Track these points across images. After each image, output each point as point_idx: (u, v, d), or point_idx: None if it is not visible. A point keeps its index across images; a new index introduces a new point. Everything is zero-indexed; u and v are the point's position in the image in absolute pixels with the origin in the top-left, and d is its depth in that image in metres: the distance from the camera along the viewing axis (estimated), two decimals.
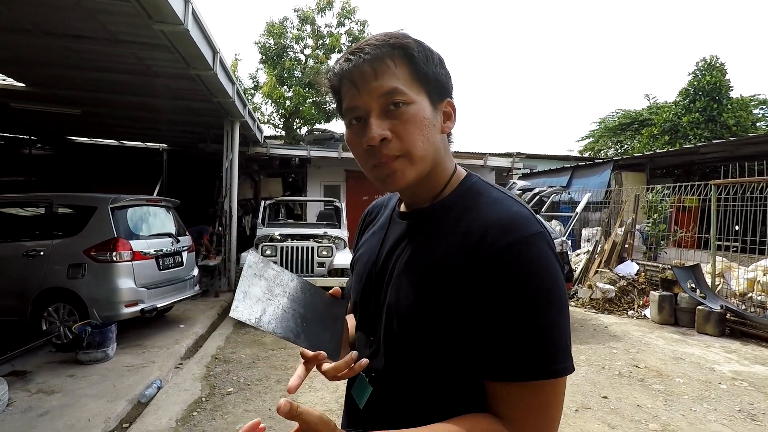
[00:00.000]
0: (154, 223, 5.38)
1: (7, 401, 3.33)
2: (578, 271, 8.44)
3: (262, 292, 0.68)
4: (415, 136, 0.71)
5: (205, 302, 6.86)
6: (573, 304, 7.49)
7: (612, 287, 7.35)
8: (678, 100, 15.14)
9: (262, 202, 8.22)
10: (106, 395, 3.58)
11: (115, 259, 4.55)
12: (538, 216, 0.73)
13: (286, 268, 6.33)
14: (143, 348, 4.70)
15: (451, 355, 0.69)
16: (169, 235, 5.44)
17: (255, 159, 11.27)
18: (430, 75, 0.73)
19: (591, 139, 22.29)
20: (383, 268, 0.79)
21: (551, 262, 0.67)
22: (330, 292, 0.77)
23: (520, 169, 13.43)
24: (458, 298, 0.67)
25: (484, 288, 0.65)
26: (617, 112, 20.97)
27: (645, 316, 6.66)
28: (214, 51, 5.52)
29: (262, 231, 7.31)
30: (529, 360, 0.63)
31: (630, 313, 6.84)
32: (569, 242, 9.77)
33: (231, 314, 0.65)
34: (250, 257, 0.70)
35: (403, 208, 0.84)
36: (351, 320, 0.91)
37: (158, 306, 4.89)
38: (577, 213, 9.95)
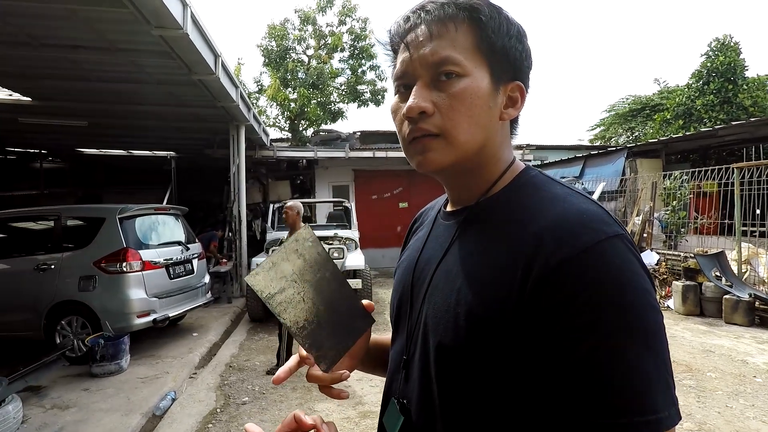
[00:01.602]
0: (163, 232, 5.33)
1: (21, 418, 3.29)
2: None
3: (292, 271, 0.61)
4: (461, 114, 0.59)
5: (217, 309, 6.82)
6: None
7: None
8: (691, 82, 14.74)
9: (271, 205, 8.16)
10: (120, 409, 3.52)
11: (125, 269, 4.50)
12: (613, 214, 0.56)
13: None
14: (157, 358, 4.65)
15: (497, 396, 0.54)
16: (179, 243, 5.38)
17: (262, 162, 11.23)
18: (498, 46, 0.60)
19: (602, 128, 21.88)
20: (422, 278, 0.67)
21: (635, 276, 0.50)
22: (364, 303, 0.68)
23: (530, 160, 13.25)
24: (505, 326, 0.52)
25: (538, 314, 0.50)
26: (627, 99, 20.55)
27: (668, 307, 6.45)
28: (216, 55, 5.45)
29: (272, 235, 7.25)
30: (600, 409, 0.46)
31: None
32: None
33: (246, 278, 0.59)
34: (304, 231, 0.63)
35: (449, 207, 0.71)
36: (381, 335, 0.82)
37: (170, 315, 4.84)
38: None
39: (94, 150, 11.20)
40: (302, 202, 10.47)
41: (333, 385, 0.67)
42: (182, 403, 3.72)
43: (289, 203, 4.33)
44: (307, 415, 0.60)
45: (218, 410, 3.59)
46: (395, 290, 0.75)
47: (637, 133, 19.73)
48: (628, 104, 20.04)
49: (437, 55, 0.59)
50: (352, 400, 3.68)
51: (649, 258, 7.61)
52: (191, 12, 4.38)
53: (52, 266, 4.54)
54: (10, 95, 6.86)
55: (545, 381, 0.50)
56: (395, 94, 0.66)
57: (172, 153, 11.64)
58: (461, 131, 0.59)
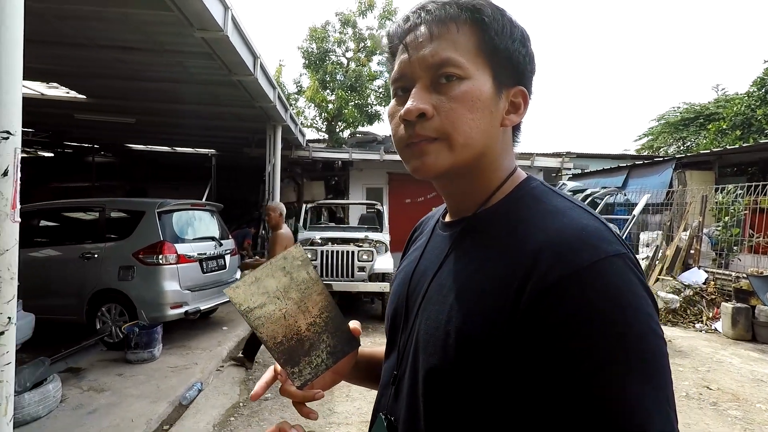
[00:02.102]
0: (198, 227, 5.51)
1: (60, 398, 3.47)
2: None
3: (276, 288, 0.60)
4: (462, 117, 0.56)
5: None
6: None
7: (676, 297, 6.74)
8: (752, 90, 13.79)
9: (304, 205, 8.28)
10: (149, 396, 3.65)
11: (161, 262, 4.68)
12: (616, 231, 0.53)
13: (327, 272, 6.30)
14: (187, 349, 4.80)
15: (485, 422, 0.51)
16: (213, 238, 5.55)
17: (298, 162, 11.43)
18: (501, 49, 0.58)
19: (650, 137, 20.86)
20: (416, 291, 0.65)
21: (636, 298, 0.47)
22: (351, 327, 0.67)
23: (570, 169, 12.81)
24: (496, 347, 0.49)
25: (530, 336, 0.47)
26: (679, 107, 19.50)
27: (715, 329, 6.03)
28: (255, 56, 5.59)
29: (303, 234, 7.34)
30: None
31: (698, 326, 6.23)
32: None
33: (225, 290, 0.59)
34: (295, 249, 0.62)
35: (448, 217, 0.68)
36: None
37: (201, 308, 4.99)
38: (634, 216, 9.24)
39: (141, 146, 11.79)
40: (335, 203, 10.65)
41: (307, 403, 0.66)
42: (207, 395, 3.82)
43: (272, 204, 4.40)
44: (292, 428, 0.62)
45: (241, 404, 3.66)
46: (390, 302, 0.73)
47: (689, 144, 18.68)
48: (680, 113, 19.01)
49: (438, 57, 0.57)
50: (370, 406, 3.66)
51: (696, 276, 7.16)
52: (232, 14, 4.51)
53: (96, 255, 4.78)
54: (68, 93, 7.32)
55: (535, 407, 0.47)
56: (393, 98, 0.63)
57: (212, 151, 12.06)
58: (461, 135, 0.57)
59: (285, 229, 4.28)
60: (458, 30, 0.57)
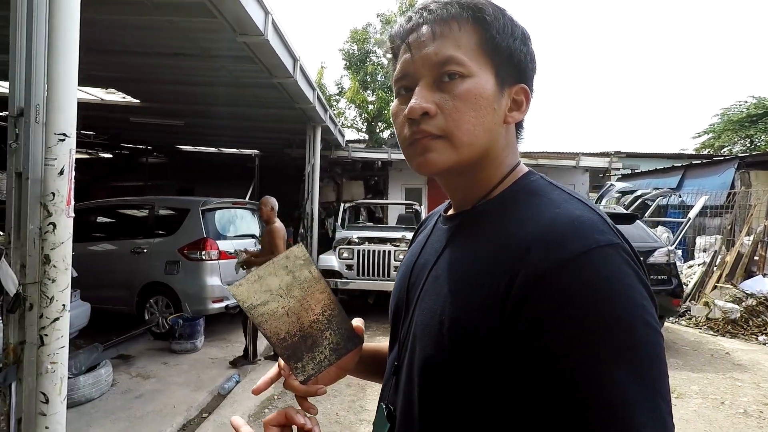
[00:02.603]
0: (239, 225, 5.73)
1: (111, 382, 3.72)
2: (691, 285, 7.35)
3: (279, 286, 0.62)
4: (465, 115, 0.58)
5: None
6: (684, 323, 6.53)
7: (736, 306, 6.27)
8: None
9: (342, 204, 8.40)
10: (191, 384, 3.83)
11: (204, 257, 4.90)
12: (612, 223, 0.53)
13: (364, 270, 6.36)
14: (227, 342, 5.00)
15: (477, 412, 0.51)
16: (252, 236, 5.74)
17: (337, 162, 11.61)
18: (503, 47, 0.59)
19: (710, 135, 19.48)
20: (416, 283, 0.65)
21: (627, 288, 0.46)
22: (355, 325, 0.67)
23: (618, 169, 12.20)
24: (488, 338, 0.50)
25: (521, 327, 0.47)
26: (746, 101, 18.05)
27: None
28: (294, 59, 5.73)
29: (341, 234, 7.45)
30: None
31: (761, 338, 5.76)
32: (678, 252, 8.59)
33: (229, 288, 0.62)
34: (297, 249, 0.64)
35: (450, 212, 0.70)
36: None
37: None
38: (689, 219, 8.70)
39: (190, 147, 12.38)
40: (373, 203, 10.72)
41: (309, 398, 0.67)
42: (244, 386, 3.95)
43: (264, 198, 4.46)
44: (298, 413, 0.62)
45: (275, 397, 3.77)
46: (393, 295, 0.74)
47: (756, 142, 17.29)
48: (746, 108, 17.61)
49: (440, 55, 0.58)
50: None
51: (761, 285, 6.63)
52: (272, 19, 4.65)
53: (145, 250, 5.08)
54: (124, 98, 7.80)
55: (524, 398, 0.47)
56: (396, 97, 0.65)
57: (256, 151, 12.47)
58: (465, 133, 0.58)
59: (278, 223, 4.35)
60: (460, 29, 0.58)
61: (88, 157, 14.73)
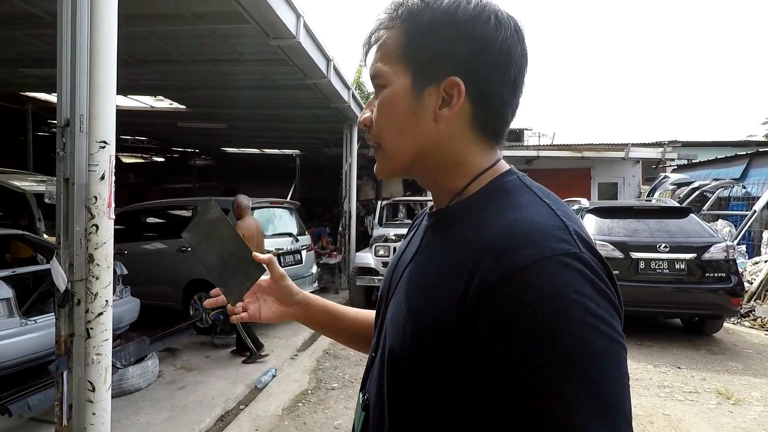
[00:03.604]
0: (278, 224, 5.89)
1: (157, 373, 3.95)
2: (756, 283, 6.78)
3: (205, 230, 0.82)
4: (382, 125, 0.62)
5: (325, 298, 7.29)
6: (748, 324, 6.04)
7: None
8: None
9: (379, 202, 8.44)
10: (229, 377, 4.00)
11: None
12: (580, 230, 0.51)
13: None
14: (265, 337, 5.16)
15: (437, 406, 0.52)
16: (290, 234, 5.89)
17: (376, 160, 11.66)
18: (425, 47, 0.58)
19: None
20: (394, 279, 0.68)
21: (580, 300, 0.45)
22: (259, 258, 0.80)
23: (674, 160, 11.46)
24: (444, 339, 0.51)
25: (472, 331, 0.48)
26: None
27: None
28: (327, 59, 5.81)
29: (378, 231, 7.49)
30: None
31: None
32: (742, 248, 7.94)
33: (182, 233, 0.83)
34: (210, 201, 0.86)
35: (433, 208, 0.70)
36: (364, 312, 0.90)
37: None
38: (755, 211, 8.02)
39: (234, 149, 12.90)
40: (411, 200, 10.69)
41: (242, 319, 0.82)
42: (280, 381, 4.08)
43: (238, 196, 4.69)
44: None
45: (309, 392, 3.85)
46: (379, 291, 0.77)
47: None
48: None
49: (371, 69, 0.62)
50: None
51: None
52: (304, 21, 4.74)
53: (190, 249, 5.34)
54: (171, 104, 8.24)
55: (479, 403, 0.48)
56: None
57: (296, 151, 12.79)
58: (387, 141, 0.62)
59: (245, 221, 4.51)
60: (387, 38, 0.60)
61: (143, 161, 15.72)
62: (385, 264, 6.42)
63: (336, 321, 0.88)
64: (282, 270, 0.83)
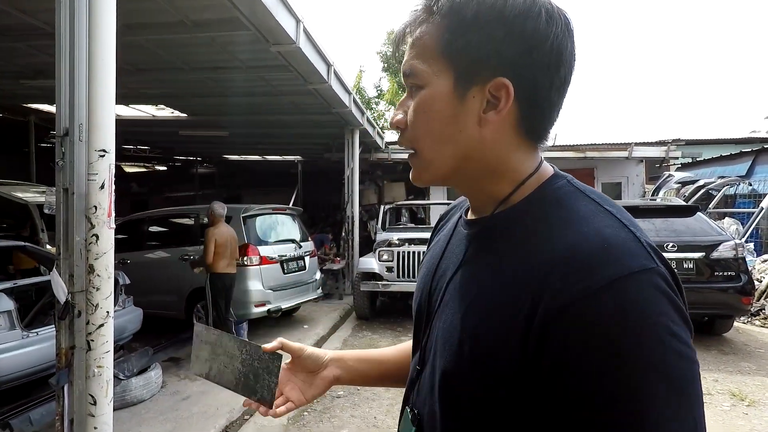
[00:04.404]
0: (280, 231, 5.86)
1: (161, 384, 3.91)
2: (766, 281, 6.70)
3: (208, 354, 0.82)
4: (420, 130, 0.57)
5: (329, 304, 7.26)
6: (758, 323, 5.96)
7: None
8: None
9: (382, 207, 8.40)
10: None
11: (245, 263, 5.05)
12: (648, 241, 0.49)
13: (404, 271, 6.32)
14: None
15: (495, 428, 0.51)
16: (293, 241, 5.86)
17: (378, 165, 11.65)
18: (459, 46, 0.53)
19: None
20: (437, 289, 0.64)
21: (661, 321, 0.43)
22: (268, 347, 0.76)
23: (677, 158, 11.37)
24: (505, 367, 0.48)
25: (542, 359, 0.45)
26: None
27: None
28: (328, 64, 5.80)
29: (381, 236, 7.44)
30: None
31: None
32: (750, 245, 7.86)
33: (190, 369, 0.85)
34: (196, 328, 0.85)
35: (470, 214, 0.66)
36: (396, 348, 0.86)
37: (283, 307, 5.29)
38: (762, 208, 7.93)
39: (236, 156, 12.92)
40: (413, 204, 10.63)
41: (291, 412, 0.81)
42: None
43: (213, 203, 4.69)
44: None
45: (315, 400, 3.80)
46: (415, 297, 0.73)
47: None
48: None
49: (406, 66, 0.58)
50: None
51: None
52: (303, 27, 4.73)
53: (192, 257, 5.31)
54: (173, 113, 8.25)
55: (550, 429, 0.46)
56: None
57: (298, 157, 12.79)
58: (426, 148, 0.58)
59: (218, 228, 4.51)
60: (424, 34, 0.56)
61: (145, 170, 15.76)
62: (389, 269, 6.37)
63: (378, 364, 0.84)
64: (297, 345, 0.78)
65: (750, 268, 5.64)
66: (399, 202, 9.46)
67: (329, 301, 7.39)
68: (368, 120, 8.85)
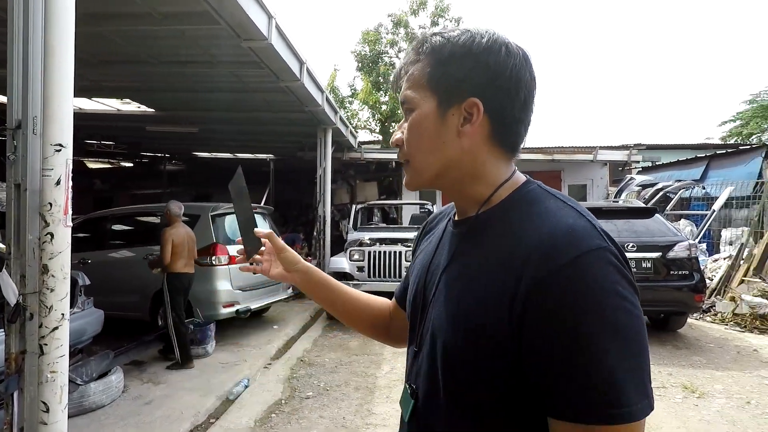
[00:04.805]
0: None
1: (122, 388, 3.77)
2: (716, 279, 7.05)
3: (239, 191, 0.98)
4: (412, 144, 0.72)
5: (300, 304, 7.18)
6: (709, 319, 6.26)
7: (765, 301, 5.98)
8: None
9: (353, 206, 8.37)
10: (200, 389, 3.86)
11: (214, 263, 4.94)
12: (601, 228, 0.63)
13: (375, 271, 6.31)
14: (239, 346, 5.03)
15: (496, 389, 0.62)
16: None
17: (351, 164, 11.61)
18: (446, 75, 0.69)
19: (738, 122, 18.70)
20: (431, 281, 0.76)
21: (612, 286, 0.56)
22: (260, 233, 0.95)
23: (638, 162, 11.84)
24: (498, 335, 0.60)
25: (525, 325, 0.58)
26: None
27: None
28: (301, 62, 5.74)
29: (352, 235, 7.41)
30: (581, 403, 0.55)
31: None
32: (703, 246, 8.25)
33: (229, 184, 0.97)
34: (239, 170, 1.01)
35: (457, 216, 0.79)
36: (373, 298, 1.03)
37: (252, 307, 5.20)
38: (714, 211, 8.35)
39: (206, 153, 12.60)
40: (385, 204, 10.65)
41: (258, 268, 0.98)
42: (253, 391, 3.96)
43: (169, 203, 4.66)
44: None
45: (283, 401, 3.75)
46: (410, 290, 0.84)
47: None
48: None
49: (401, 96, 0.73)
50: None
51: None
52: (276, 23, 4.65)
53: (154, 256, 5.14)
54: (139, 107, 7.97)
55: (536, 374, 0.58)
56: None
57: (270, 156, 12.59)
58: (416, 157, 0.72)
59: (175, 227, 4.47)
60: (414, 70, 0.71)
61: (110, 166, 15.16)
62: (360, 268, 6.36)
63: (332, 295, 0.99)
64: (282, 243, 0.96)
65: (702, 268, 5.93)
66: (371, 202, 9.44)
67: (300, 301, 7.31)
68: (341, 119, 8.80)
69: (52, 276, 2.15)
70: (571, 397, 0.55)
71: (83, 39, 2.28)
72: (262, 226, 1.06)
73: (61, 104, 2.20)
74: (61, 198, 2.20)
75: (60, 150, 2.19)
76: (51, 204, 2.16)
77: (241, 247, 0.97)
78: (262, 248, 0.97)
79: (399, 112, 14.70)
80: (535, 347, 0.57)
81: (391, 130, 15.54)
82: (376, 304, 1.01)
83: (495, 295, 0.61)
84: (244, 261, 0.97)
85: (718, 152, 11.07)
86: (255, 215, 1.01)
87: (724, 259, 7.50)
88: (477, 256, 0.68)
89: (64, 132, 2.20)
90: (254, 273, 0.99)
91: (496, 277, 0.62)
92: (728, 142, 17.79)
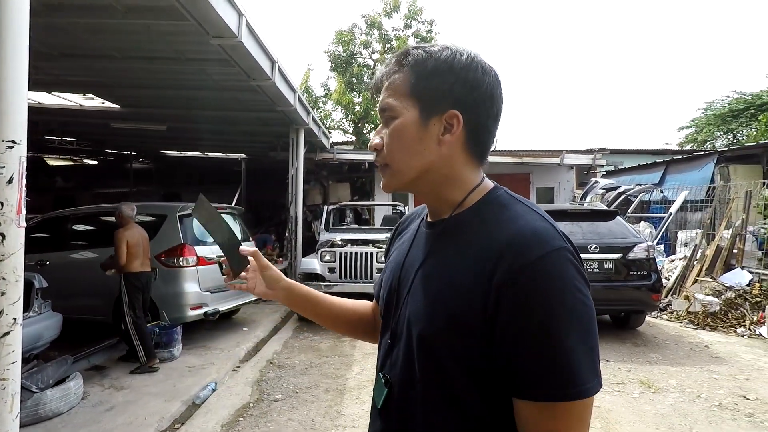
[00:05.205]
0: None
1: (82, 395, 3.63)
2: (672, 279, 7.39)
3: (208, 215, 1.01)
4: (394, 149, 0.76)
5: (270, 306, 7.09)
6: (666, 317, 6.56)
7: (716, 299, 6.30)
8: None
9: (326, 207, 8.33)
10: (165, 394, 3.76)
11: (181, 264, 4.82)
12: (560, 230, 0.71)
13: (346, 272, 6.30)
14: (206, 349, 4.93)
15: (468, 375, 0.69)
16: None
17: (324, 165, 11.54)
18: (428, 87, 0.74)
19: (693, 129, 19.65)
20: (405, 278, 0.81)
21: (571, 281, 0.65)
22: (245, 251, 0.99)
23: (602, 166, 12.26)
24: (472, 321, 0.67)
25: (498, 313, 0.65)
26: (728, 96, 18.20)
27: (760, 335, 5.59)
28: (272, 61, 5.68)
29: (324, 236, 7.37)
30: (543, 382, 0.62)
31: (739, 330, 5.79)
32: (660, 247, 8.63)
33: (191, 211, 0.97)
34: (200, 198, 1.01)
35: (429, 218, 0.85)
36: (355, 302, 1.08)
37: (220, 309, 5.10)
38: (671, 213, 8.75)
39: (175, 152, 12.27)
40: (357, 205, 10.64)
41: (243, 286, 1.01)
42: (220, 395, 3.89)
43: (122, 204, 4.59)
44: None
45: (251, 405, 3.70)
46: (383, 287, 0.89)
47: (738, 136, 17.45)
48: (729, 103, 17.74)
49: (382, 103, 0.77)
50: None
51: (739, 277, 6.67)
52: (246, 21, 4.59)
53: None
54: (103, 103, 7.70)
55: (503, 358, 0.65)
56: None
57: (242, 155, 12.38)
58: (395, 162, 0.77)
59: (128, 229, 4.41)
60: (396, 79, 0.76)
61: (73, 164, 14.56)
62: (331, 269, 6.34)
63: (317, 307, 1.04)
64: (266, 261, 1.00)
65: (660, 268, 6.20)
66: (344, 203, 9.42)
67: (271, 303, 7.22)
68: (314, 119, 8.75)
69: (3, 279, 2.06)
70: (534, 378, 0.62)
71: (41, 31, 2.18)
72: (233, 228, 1.07)
73: (14, 99, 2.11)
74: (13, 197, 2.11)
75: (13, 147, 2.10)
76: (2, 203, 2.06)
77: (226, 266, 1.00)
78: (248, 266, 0.99)
79: (373, 113, 14.72)
80: (507, 331, 0.64)
81: (365, 131, 15.56)
82: (359, 308, 1.06)
83: (471, 284, 0.68)
84: (230, 279, 1.00)
85: (675, 158, 11.59)
86: (234, 234, 1.01)
87: (680, 259, 7.87)
88: (453, 251, 0.74)
89: (17, 128, 2.11)
90: (240, 290, 1.02)
91: (472, 270, 0.68)
92: (685, 148, 18.66)
